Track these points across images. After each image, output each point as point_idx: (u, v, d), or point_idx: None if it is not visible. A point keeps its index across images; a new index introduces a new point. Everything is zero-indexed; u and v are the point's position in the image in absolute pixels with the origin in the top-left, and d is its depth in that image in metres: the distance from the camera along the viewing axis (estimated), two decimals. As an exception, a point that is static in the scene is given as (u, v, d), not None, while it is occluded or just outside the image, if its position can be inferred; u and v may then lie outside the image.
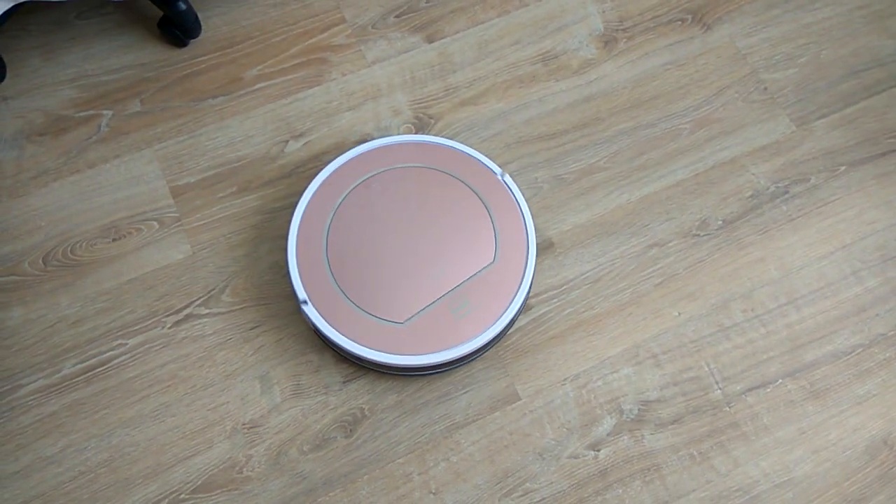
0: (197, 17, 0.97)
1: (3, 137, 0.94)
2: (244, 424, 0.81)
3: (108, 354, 0.84)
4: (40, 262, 0.88)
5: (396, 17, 1.02)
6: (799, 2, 1.02)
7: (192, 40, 0.99)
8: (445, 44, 1.00)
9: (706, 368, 0.83)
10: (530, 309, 0.85)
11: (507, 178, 0.84)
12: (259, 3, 1.02)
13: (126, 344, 0.84)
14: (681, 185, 0.91)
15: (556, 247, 0.88)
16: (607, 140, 0.94)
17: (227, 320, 0.85)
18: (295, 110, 0.96)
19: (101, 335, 0.85)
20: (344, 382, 0.82)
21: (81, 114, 0.96)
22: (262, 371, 0.83)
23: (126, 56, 0.99)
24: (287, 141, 0.95)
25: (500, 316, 0.78)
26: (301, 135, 0.95)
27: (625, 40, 1.00)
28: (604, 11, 1.02)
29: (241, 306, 0.86)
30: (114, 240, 0.90)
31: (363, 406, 0.81)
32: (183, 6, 0.93)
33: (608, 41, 1.00)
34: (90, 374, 0.83)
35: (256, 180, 0.93)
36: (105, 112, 0.96)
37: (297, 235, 0.82)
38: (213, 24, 1.01)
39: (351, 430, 0.80)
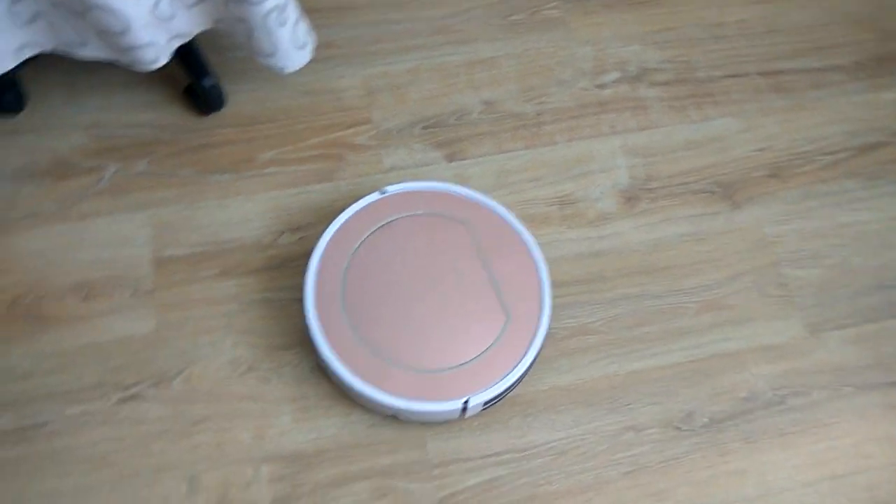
0: (221, 95, 1.00)
1: (3, 171, 0.97)
2: (159, 528, 0.79)
3: (44, 418, 0.84)
4: (5, 307, 0.90)
5: (423, 128, 1.04)
6: (838, 198, 1.01)
7: (214, 113, 1.02)
8: (465, 165, 1.02)
9: (657, 581, 0.79)
10: (484, 469, 0.83)
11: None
12: (291, 87, 1.05)
13: (65, 412, 0.84)
14: (674, 369, 0.90)
15: (529, 406, 0.87)
16: (608, 302, 0.93)
17: (172, 409, 0.85)
18: (299, 202, 0.98)
19: (44, 396, 0.85)
20: (273, 506, 0.81)
21: (87, 163, 0.99)
22: (194, 472, 0.82)
23: (145, 114, 1.02)
24: (283, 232, 0.96)
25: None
26: (298, 228, 0.97)
27: (648, 200, 1.00)
28: (633, 166, 1.03)
29: (191, 397, 0.86)
30: (84, 299, 0.91)
31: (286, 537, 0.79)
32: (209, 83, 0.97)
33: (630, 198, 1.00)
34: (21, 434, 0.83)
35: (242, 266, 0.94)
36: (111, 166, 0.99)
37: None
38: (239, 99, 1.04)
39: (265, 563, 0.78)
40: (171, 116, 1.02)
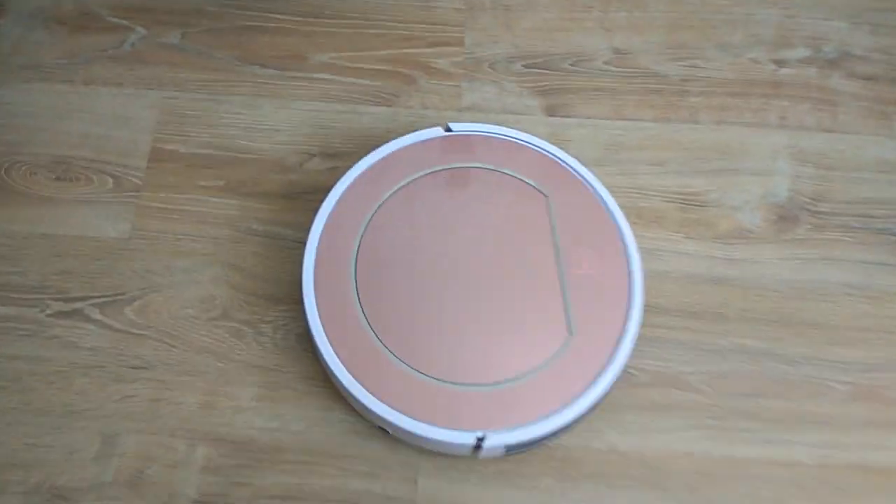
0: (286, -34, 0.79)
1: (20, 11, 0.81)
2: (51, 488, 0.61)
3: (-34, 311, 0.67)
4: (-32, 164, 0.73)
5: (526, 66, 0.80)
6: None
7: (273, -10, 0.82)
8: (567, 125, 0.76)
9: None
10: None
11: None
12: (375, -19, 0.83)
13: (-8, 309, 0.67)
14: (792, 469, 0.62)
15: (572, 466, 0.62)
16: (718, 352, 0.66)
17: (114, 341, 0.66)
18: (344, 123, 0.76)
19: (-25, 284, 0.68)
20: (196, 502, 0.60)
21: (114, 19, 0.82)
22: (114, 429, 0.63)
23: (194, -23, 0.83)
24: (314, 155, 0.75)
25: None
26: (334, 155, 0.75)
27: (809, 227, 0.72)
28: (798, 176, 0.74)
29: (140, 331, 0.66)
30: (58, 178, 0.73)
31: (199, 549, 0.59)
32: (272, -55, 0.76)
33: (785, 217, 0.72)
34: (-68, 324, 0.66)
35: (252, 185, 0.73)
36: (139, 29, 0.81)
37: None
38: (309, -17, 0.83)
39: (161, 577, 0.58)
40: (221, -15, 0.83)
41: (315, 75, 0.79)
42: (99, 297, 0.68)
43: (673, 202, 0.73)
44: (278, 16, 0.82)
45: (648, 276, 0.69)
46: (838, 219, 0.73)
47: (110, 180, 0.73)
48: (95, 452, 0.62)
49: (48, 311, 0.67)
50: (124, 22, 0.82)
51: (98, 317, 0.67)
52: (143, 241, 0.70)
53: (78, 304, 0.68)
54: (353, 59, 0.80)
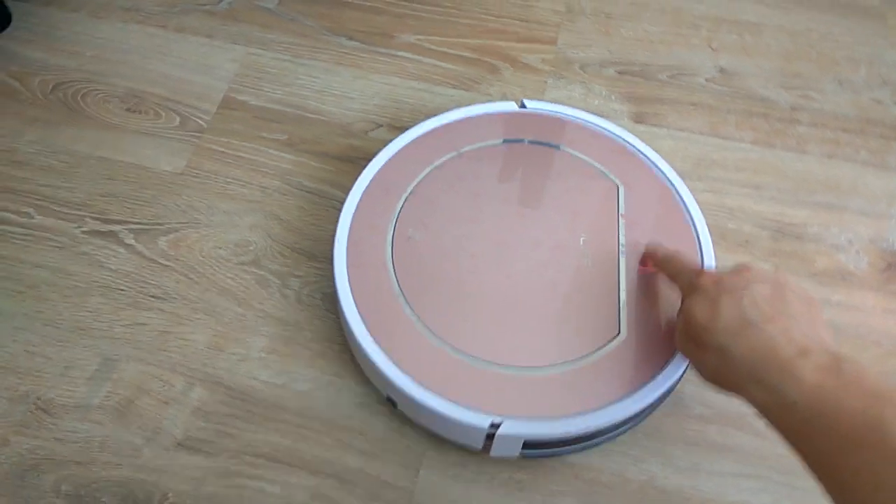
0: (391, -57, 0.80)
1: (132, -42, 0.86)
2: (38, 399, 0.58)
3: (9, 215, 0.67)
4: (50, 86, 0.76)
5: (619, 72, 0.76)
6: None
7: (374, -32, 0.83)
8: (655, 134, 0.71)
9: None
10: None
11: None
12: (477, -26, 0.83)
13: (33, 219, 0.67)
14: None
15: (600, 491, 0.53)
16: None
17: (139, 267, 0.64)
18: (417, 99, 0.75)
19: (25, 192, 0.69)
20: (179, 444, 0.56)
21: (218, -21, 0.84)
22: (115, 353, 0.60)
23: (302, -51, 0.86)
24: (381, 126, 0.73)
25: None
26: (400, 128, 0.73)
27: (925, 280, 0.62)
28: (918, 224, 0.66)
29: (167, 262, 0.65)
30: (128, 109, 0.75)
31: (171, 490, 0.54)
32: (380, -82, 0.77)
33: (894, 265, 0.63)
34: (-25, 222, 0.67)
35: (313, 143, 0.72)
36: (239, -10, 0.83)
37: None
38: (411, -31, 0.84)
39: (122, 512, 0.53)
40: (326, -40, 0.85)
41: (398, 53, 0.78)
42: (137, 223, 0.67)
43: (766, 228, 0.66)
44: (375, -5, 0.83)
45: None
46: (962, 277, 0.63)
47: (177, 118, 0.74)
48: (91, 373, 0.59)
49: (84, 229, 0.67)
50: (227, -18, 0.84)
51: (131, 241, 0.66)
52: (193, 179, 0.70)
53: (115, 227, 0.67)
54: (440, 43, 0.79)
